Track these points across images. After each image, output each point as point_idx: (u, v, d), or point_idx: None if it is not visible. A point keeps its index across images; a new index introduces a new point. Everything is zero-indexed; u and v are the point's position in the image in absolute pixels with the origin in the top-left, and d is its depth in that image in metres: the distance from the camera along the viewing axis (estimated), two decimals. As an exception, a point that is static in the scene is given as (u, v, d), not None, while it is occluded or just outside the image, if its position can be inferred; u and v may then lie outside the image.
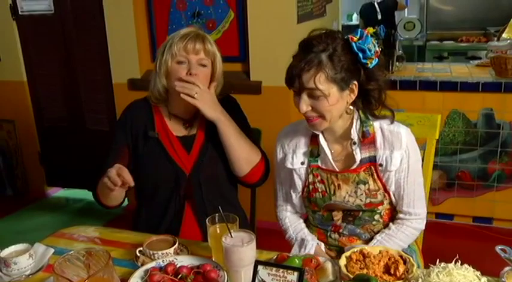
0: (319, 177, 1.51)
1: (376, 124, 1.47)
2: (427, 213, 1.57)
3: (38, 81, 3.67)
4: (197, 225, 1.67)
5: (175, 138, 1.68)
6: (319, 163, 1.51)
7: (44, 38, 3.55)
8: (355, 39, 1.34)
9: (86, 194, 3.85)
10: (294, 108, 2.94)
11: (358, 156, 1.46)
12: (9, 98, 3.69)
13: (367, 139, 1.46)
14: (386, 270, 1.22)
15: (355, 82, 1.38)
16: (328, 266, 1.24)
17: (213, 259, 1.33)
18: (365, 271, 1.21)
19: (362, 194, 1.46)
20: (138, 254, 1.37)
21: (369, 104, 1.44)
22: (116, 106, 3.32)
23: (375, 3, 5.59)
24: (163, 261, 1.30)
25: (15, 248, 1.35)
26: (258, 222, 1.94)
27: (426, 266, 1.20)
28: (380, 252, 1.28)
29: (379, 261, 1.24)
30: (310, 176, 1.52)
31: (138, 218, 1.75)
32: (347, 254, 1.28)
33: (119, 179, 1.39)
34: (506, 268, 1.18)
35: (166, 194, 1.67)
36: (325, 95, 1.35)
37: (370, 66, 1.36)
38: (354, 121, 1.46)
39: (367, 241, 1.52)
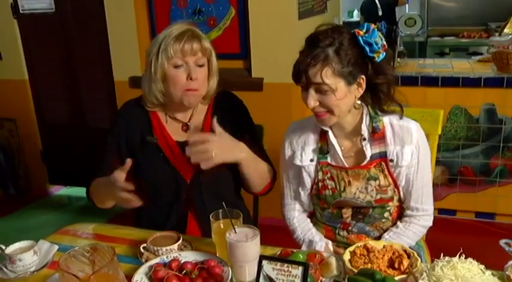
0: (328, 174, 1.50)
1: (386, 119, 1.46)
2: (430, 208, 1.56)
3: (40, 79, 3.67)
4: (200, 232, 1.64)
5: (175, 143, 1.63)
6: (328, 160, 1.50)
7: (45, 36, 3.55)
8: (361, 33, 1.34)
9: (88, 192, 3.86)
10: (295, 105, 2.95)
11: (369, 152, 1.45)
12: (11, 96, 3.69)
13: (377, 134, 1.45)
14: (391, 264, 1.23)
15: (363, 76, 1.38)
16: (332, 261, 1.24)
17: (217, 255, 1.33)
18: (369, 266, 1.21)
19: (373, 190, 1.46)
20: (142, 250, 1.38)
21: (378, 98, 1.44)
22: (117, 104, 3.32)
23: (376, 0, 5.57)
24: (167, 257, 1.31)
25: (19, 244, 1.36)
26: (261, 218, 1.94)
27: (431, 261, 1.20)
28: (384, 246, 1.28)
29: (383, 255, 1.24)
30: (320, 173, 1.51)
31: (139, 227, 1.68)
32: (351, 248, 1.28)
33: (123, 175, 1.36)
34: (510, 262, 1.19)
35: (167, 201, 1.63)
36: (333, 90, 1.34)
37: (378, 59, 1.35)
38: (364, 116, 1.46)
39: (376, 239, 1.51)
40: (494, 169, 2.96)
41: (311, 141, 1.53)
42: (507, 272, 1.15)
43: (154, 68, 1.53)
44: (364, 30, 1.34)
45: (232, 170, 1.63)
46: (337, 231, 1.57)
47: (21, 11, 3.52)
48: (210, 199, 1.61)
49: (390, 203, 1.50)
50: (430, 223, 1.54)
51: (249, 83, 2.94)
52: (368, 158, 1.46)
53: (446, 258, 1.15)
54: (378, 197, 1.47)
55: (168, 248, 1.35)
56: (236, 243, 1.20)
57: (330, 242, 1.53)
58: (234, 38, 2.98)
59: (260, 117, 1.88)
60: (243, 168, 1.54)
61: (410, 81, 2.95)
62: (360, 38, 1.34)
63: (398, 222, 1.53)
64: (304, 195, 1.57)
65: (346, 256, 1.25)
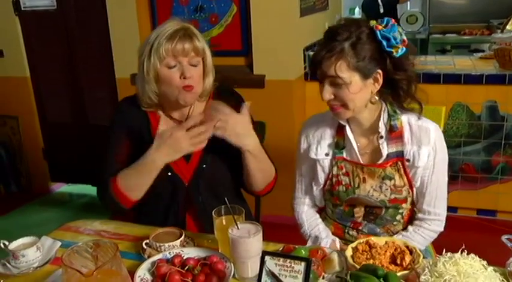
0: (343, 170, 1.49)
1: (404, 118, 1.45)
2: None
3: (41, 76, 3.67)
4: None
5: None
6: (344, 155, 1.50)
7: (47, 33, 3.55)
8: (380, 27, 1.33)
9: (89, 189, 3.86)
10: (297, 102, 2.94)
11: (385, 150, 1.44)
12: (12, 94, 3.70)
13: (394, 133, 1.44)
14: (393, 260, 1.23)
15: (380, 71, 1.36)
16: (335, 256, 1.25)
17: (220, 251, 1.33)
18: (371, 262, 1.21)
19: (387, 190, 1.45)
20: (145, 247, 1.38)
21: (397, 95, 1.41)
22: (118, 101, 3.32)
23: (377, -3, 5.56)
24: (169, 253, 1.31)
25: (23, 240, 1.37)
26: (262, 216, 1.95)
27: (433, 258, 1.20)
28: (386, 242, 1.28)
29: (386, 251, 1.24)
30: (335, 168, 1.50)
31: None
32: (353, 244, 1.28)
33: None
34: (512, 258, 1.19)
35: (165, 202, 1.61)
36: (347, 83, 1.34)
37: (396, 55, 1.34)
38: (382, 114, 1.44)
39: None
40: (495, 166, 2.96)
41: (327, 135, 1.52)
42: (509, 268, 1.15)
43: (147, 69, 1.49)
44: (383, 25, 1.34)
45: (232, 170, 1.62)
46: (346, 230, 1.56)
47: (22, 8, 3.52)
48: (209, 201, 1.59)
49: (404, 205, 1.49)
50: (441, 228, 1.52)
51: (250, 80, 2.94)
52: (384, 156, 1.44)
53: (449, 254, 1.15)
54: (392, 196, 1.46)
55: (171, 244, 1.35)
56: (238, 239, 1.20)
57: (337, 239, 1.51)
58: (235, 35, 2.98)
59: (262, 114, 1.88)
60: (248, 160, 1.52)
61: (412, 78, 2.95)
62: (378, 32, 1.33)
63: (409, 226, 1.52)
64: (316, 190, 1.57)
65: (349, 252, 1.26)
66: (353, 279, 1.10)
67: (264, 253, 1.08)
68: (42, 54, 3.60)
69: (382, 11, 5.47)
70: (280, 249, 1.33)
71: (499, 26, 4.41)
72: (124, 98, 1.70)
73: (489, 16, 5.24)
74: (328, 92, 1.37)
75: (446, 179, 1.50)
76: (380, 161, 1.45)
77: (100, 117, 3.59)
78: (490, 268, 1.12)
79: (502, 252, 1.24)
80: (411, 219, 1.55)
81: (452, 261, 1.11)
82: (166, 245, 1.35)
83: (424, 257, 1.23)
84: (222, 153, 1.58)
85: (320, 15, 3.44)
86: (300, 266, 1.04)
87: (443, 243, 1.52)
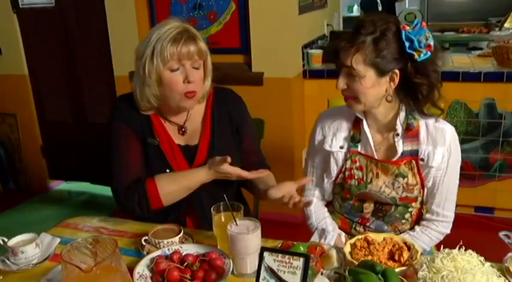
0: (357, 164, 1.49)
1: (422, 119, 1.45)
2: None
3: (40, 74, 3.67)
4: None
5: (177, 147, 1.58)
6: (359, 148, 1.50)
7: (45, 31, 3.55)
8: (407, 27, 1.33)
9: (88, 187, 3.86)
10: (295, 99, 2.94)
11: (400, 148, 1.45)
12: (11, 91, 3.70)
13: (410, 132, 1.44)
14: (391, 256, 1.23)
15: (397, 71, 1.36)
16: (333, 253, 1.25)
17: (218, 247, 1.34)
18: (370, 258, 1.22)
19: (399, 187, 1.45)
20: (144, 243, 1.38)
21: (416, 99, 1.40)
22: (116, 99, 3.32)
23: (376, -5, 5.57)
24: (168, 249, 1.31)
25: (22, 237, 1.37)
26: (261, 213, 1.95)
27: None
28: (384, 239, 1.29)
29: (384, 248, 1.25)
30: (348, 162, 1.50)
31: None
32: (352, 241, 1.29)
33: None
34: (510, 254, 1.19)
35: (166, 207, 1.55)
36: (360, 76, 1.35)
37: (418, 58, 1.32)
38: (400, 112, 1.44)
39: None
40: (493, 164, 2.97)
41: (344, 128, 1.52)
42: (506, 264, 1.16)
43: (149, 71, 1.46)
44: (411, 26, 1.33)
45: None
46: (353, 226, 1.57)
47: (20, 6, 3.51)
48: (210, 204, 1.54)
49: (413, 204, 1.50)
50: (448, 231, 1.52)
51: (249, 77, 2.94)
52: (399, 153, 1.45)
53: (446, 250, 1.16)
54: (404, 195, 1.46)
55: (170, 240, 1.35)
56: (237, 236, 1.21)
57: (343, 234, 1.52)
58: (234, 33, 2.98)
59: (260, 112, 1.89)
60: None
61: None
62: (404, 32, 1.32)
63: (416, 226, 1.53)
64: (327, 182, 1.57)
65: (347, 248, 1.26)
66: (351, 275, 1.11)
67: (263, 249, 1.08)
68: (41, 52, 3.60)
69: (380, 8, 5.48)
70: (279, 245, 1.33)
71: (497, 24, 4.42)
72: (121, 97, 1.66)
73: (487, 14, 5.25)
74: (342, 82, 1.39)
75: (457, 182, 1.50)
76: (395, 158, 1.45)
77: (98, 115, 3.58)
78: (488, 264, 1.12)
79: (500, 249, 1.25)
80: (419, 219, 1.56)
81: (450, 257, 1.11)
82: (165, 241, 1.35)
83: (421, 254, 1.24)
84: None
85: (319, 12, 3.44)
86: (299, 262, 1.04)
87: (441, 240, 1.53)
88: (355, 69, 1.34)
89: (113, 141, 1.57)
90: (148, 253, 1.33)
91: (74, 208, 3.62)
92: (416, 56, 1.32)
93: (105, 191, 3.68)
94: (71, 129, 3.74)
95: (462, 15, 5.46)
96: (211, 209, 1.35)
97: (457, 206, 1.53)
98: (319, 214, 1.60)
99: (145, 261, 1.27)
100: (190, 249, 1.32)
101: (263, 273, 1.07)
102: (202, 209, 1.60)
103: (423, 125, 1.45)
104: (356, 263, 1.19)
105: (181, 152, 1.58)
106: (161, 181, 1.50)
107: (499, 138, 2.92)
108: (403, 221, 1.53)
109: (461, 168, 1.51)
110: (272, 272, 1.06)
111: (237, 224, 1.25)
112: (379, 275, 1.09)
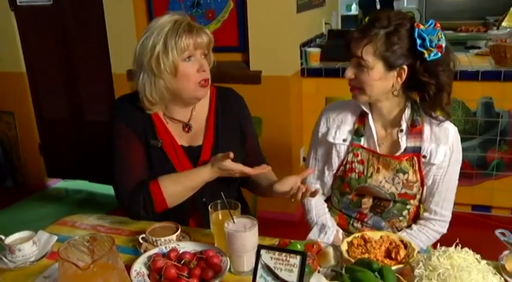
0: (359, 157, 1.50)
1: (427, 118, 1.46)
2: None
3: (37, 72, 3.66)
4: None
5: (181, 148, 1.57)
6: (362, 142, 1.51)
7: (43, 29, 3.54)
8: (421, 26, 1.34)
9: (86, 185, 3.86)
10: (293, 97, 2.94)
11: (404, 143, 1.46)
12: (9, 89, 3.69)
13: (414, 129, 1.45)
14: (388, 254, 1.24)
15: (405, 67, 1.37)
16: (330, 251, 1.25)
17: (216, 245, 1.34)
18: (366, 256, 1.22)
19: (399, 183, 1.46)
20: (141, 241, 1.38)
21: (423, 99, 1.41)
22: (115, 97, 3.32)
23: (374, -7, 5.56)
24: (166, 247, 1.31)
25: (19, 235, 1.37)
26: (259, 211, 1.95)
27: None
28: (381, 237, 1.29)
29: (380, 246, 1.25)
30: (350, 155, 1.51)
31: None
32: (348, 239, 1.29)
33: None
34: (505, 252, 1.20)
35: (168, 209, 1.54)
36: (369, 67, 1.36)
37: (428, 57, 1.33)
38: (406, 109, 1.45)
39: None
40: (490, 162, 2.97)
41: (348, 121, 1.54)
42: (502, 262, 1.16)
43: (163, 64, 1.44)
44: (425, 25, 1.35)
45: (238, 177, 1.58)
46: (351, 222, 1.58)
47: (18, 3, 3.50)
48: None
49: (412, 201, 1.51)
50: (444, 230, 1.53)
51: (247, 75, 2.94)
52: (402, 149, 1.46)
53: (443, 248, 1.16)
54: (403, 191, 1.47)
55: (167, 238, 1.36)
56: (234, 233, 1.21)
57: (341, 231, 1.53)
58: (232, 31, 2.98)
59: (258, 110, 1.89)
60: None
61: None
62: (416, 30, 1.33)
63: (413, 225, 1.54)
64: (328, 175, 1.58)
65: (344, 246, 1.26)
66: (348, 273, 1.11)
67: (260, 247, 1.09)
68: (39, 49, 3.59)
69: (378, 7, 5.48)
70: (276, 243, 1.34)
71: (494, 23, 4.43)
72: (120, 98, 1.64)
73: (485, 13, 5.25)
74: (351, 71, 1.41)
75: (457, 182, 1.51)
76: (397, 154, 1.47)
77: (96, 113, 3.58)
78: (484, 262, 1.13)
79: (496, 247, 1.25)
80: (416, 217, 1.57)
81: (446, 255, 1.12)
82: (163, 239, 1.35)
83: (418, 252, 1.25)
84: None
85: (317, 11, 3.44)
86: (296, 260, 1.04)
87: (438, 239, 1.53)
88: (365, 59, 1.36)
89: (113, 141, 1.55)
90: (145, 251, 1.33)
91: (72, 206, 3.63)
92: (426, 55, 1.34)
93: (103, 189, 3.68)
94: (69, 127, 3.74)
95: (460, 14, 5.46)
96: (209, 207, 1.35)
97: (454, 204, 1.54)
98: (319, 209, 1.61)
99: (142, 259, 1.27)
100: (188, 247, 1.32)
101: (260, 271, 1.07)
102: (205, 209, 1.58)
103: (427, 122, 1.46)
104: (353, 260, 1.19)
105: (185, 153, 1.57)
106: (165, 183, 1.50)
107: (496, 136, 2.93)
108: (401, 217, 1.54)
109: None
110: (269, 269, 1.06)
111: (234, 222, 1.26)
112: (376, 273, 1.10)
